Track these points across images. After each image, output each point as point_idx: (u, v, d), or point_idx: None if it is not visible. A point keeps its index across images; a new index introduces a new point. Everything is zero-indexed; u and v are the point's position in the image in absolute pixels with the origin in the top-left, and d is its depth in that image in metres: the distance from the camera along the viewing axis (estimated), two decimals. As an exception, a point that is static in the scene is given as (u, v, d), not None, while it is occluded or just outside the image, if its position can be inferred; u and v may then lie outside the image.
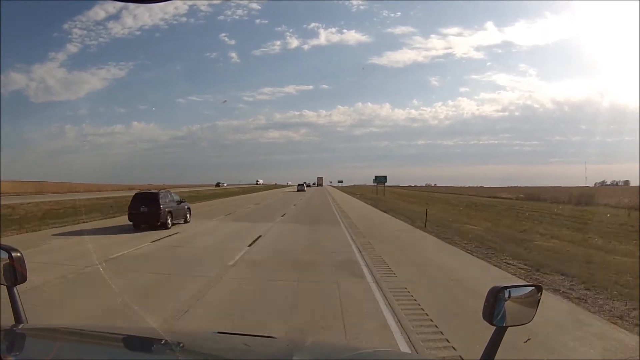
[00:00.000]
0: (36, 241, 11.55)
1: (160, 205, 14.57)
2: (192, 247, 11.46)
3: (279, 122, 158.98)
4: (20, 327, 1.47)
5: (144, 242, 11.66)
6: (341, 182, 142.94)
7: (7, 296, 1.51)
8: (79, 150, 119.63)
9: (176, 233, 13.68)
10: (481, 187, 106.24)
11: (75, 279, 7.43)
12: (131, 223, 14.80)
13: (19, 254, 1.52)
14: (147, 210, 14.45)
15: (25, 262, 1.54)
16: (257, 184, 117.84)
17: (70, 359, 1.31)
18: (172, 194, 16.35)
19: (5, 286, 1.52)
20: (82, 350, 1.42)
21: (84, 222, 16.82)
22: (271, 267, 8.50)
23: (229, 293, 6.52)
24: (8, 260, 1.50)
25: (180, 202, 16.55)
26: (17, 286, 1.51)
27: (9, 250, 1.52)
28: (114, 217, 18.71)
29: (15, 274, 1.49)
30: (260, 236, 12.82)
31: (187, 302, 5.86)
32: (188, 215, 16.95)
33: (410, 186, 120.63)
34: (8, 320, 1.49)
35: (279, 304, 5.88)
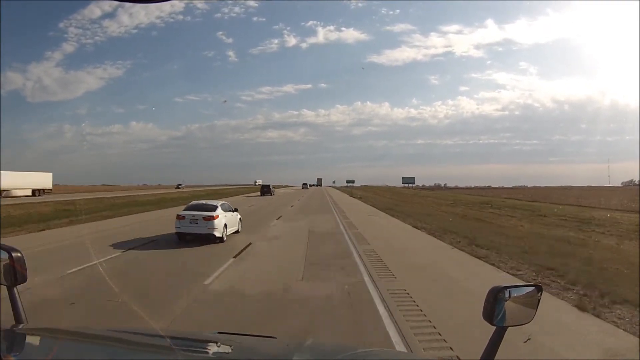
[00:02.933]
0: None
1: (271, 188, 49.18)
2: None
3: (277, 121, 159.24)
4: (20, 327, 1.47)
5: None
6: (352, 182, 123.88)
7: (7, 296, 1.51)
8: (77, 150, 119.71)
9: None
10: (489, 187, 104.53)
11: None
12: (259, 194, 46.81)
13: (19, 254, 1.52)
14: (267, 190, 47.80)
15: (26, 262, 1.54)
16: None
17: (70, 359, 1.31)
18: (272, 186, 50.69)
19: (5, 286, 1.52)
20: (82, 350, 1.42)
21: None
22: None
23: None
24: (8, 261, 1.50)
25: (272, 188, 51.14)
26: (17, 286, 1.51)
27: (9, 250, 1.52)
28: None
29: (15, 274, 1.49)
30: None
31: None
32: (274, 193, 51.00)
33: (418, 187, 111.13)
34: (8, 320, 1.49)
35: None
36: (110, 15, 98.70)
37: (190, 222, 11.55)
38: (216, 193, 48.00)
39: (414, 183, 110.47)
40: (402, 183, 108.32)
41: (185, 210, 12.05)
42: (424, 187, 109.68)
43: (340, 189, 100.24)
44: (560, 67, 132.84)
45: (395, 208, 26.66)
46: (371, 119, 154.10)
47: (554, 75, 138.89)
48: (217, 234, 11.43)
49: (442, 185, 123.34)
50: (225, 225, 11.88)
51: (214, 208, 11.85)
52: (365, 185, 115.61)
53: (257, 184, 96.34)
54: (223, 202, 13.01)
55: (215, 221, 11.41)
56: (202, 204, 12.32)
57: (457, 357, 4.07)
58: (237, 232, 13.04)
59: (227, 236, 11.91)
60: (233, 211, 12.95)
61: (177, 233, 11.72)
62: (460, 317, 5.13)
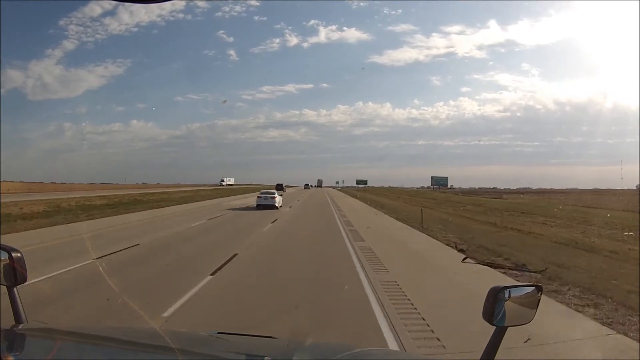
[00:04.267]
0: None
1: (283, 186, 69.94)
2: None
3: (278, 121, 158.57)
4: (20, 327, 1.47)
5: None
6: (364, 182, 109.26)
7: (7, 296, 1.51)
8: (77, 148, 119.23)
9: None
10: (494, 188, 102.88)
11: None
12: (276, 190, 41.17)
13: (19, 254, 1.52)
14: (279, 187, 61.54)
15: (26, 263, 1.54)
16: None
17: (70, 359, 1.31)
18: (283, 184, 71.51)
19: (5, 286, 1.52)
20: (82, 350, 1.42)
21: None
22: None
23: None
24: (8, 261, 1.50)
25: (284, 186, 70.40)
26: (17, 286, 1.51)
27: (9, 250, 1.52)
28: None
29: (15, 274, 1.49)
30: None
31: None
32: (285, 190, 65.87)
33: (454, 189, 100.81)
34: (8, 320, 1.49)
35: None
36: (111, 13, 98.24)
37: (264, 199, 25.39)
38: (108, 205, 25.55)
39: (446, 185, 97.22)
40: (432, 184, 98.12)
41: (260, 194, 26.41)
42: (425, 188, 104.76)
43: (345, 191, 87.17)
44: (563, 69, 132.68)
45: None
46: (373, 119, 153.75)
47: (556, 76, 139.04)
48: (277, 204, 25.16)
49: (450, 187, 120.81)
50: (279, 201, 25.71)
51: (274, 193, 26.52)
52: (368, 187, 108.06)
53: (223, 184, 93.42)
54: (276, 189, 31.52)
55: (276, 198, 25.44)
56: (268, 191, 27.34)
57: None
58: (281, 206, 26.06)
59: (280, 207, 25.50)
60: (281, 195, 27.51)
61: (257, 204, 25.08)
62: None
